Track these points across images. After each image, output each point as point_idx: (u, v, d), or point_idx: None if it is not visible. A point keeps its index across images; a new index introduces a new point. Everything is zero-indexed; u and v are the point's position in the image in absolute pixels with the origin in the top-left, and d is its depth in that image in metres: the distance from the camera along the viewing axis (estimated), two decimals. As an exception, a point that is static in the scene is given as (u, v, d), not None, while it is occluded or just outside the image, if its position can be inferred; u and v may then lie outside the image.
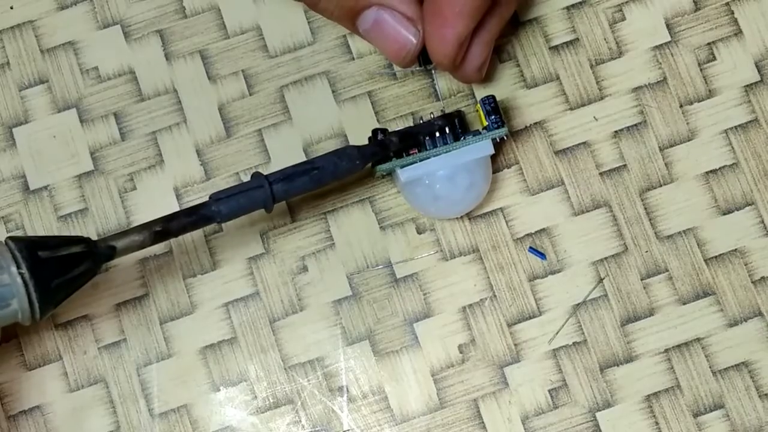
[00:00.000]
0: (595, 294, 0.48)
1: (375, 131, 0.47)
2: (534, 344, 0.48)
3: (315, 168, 0.44)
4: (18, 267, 0.39)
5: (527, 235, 0.49)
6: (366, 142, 0.48)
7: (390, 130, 0.47)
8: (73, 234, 0.49)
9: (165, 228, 0.42)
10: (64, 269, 0.40)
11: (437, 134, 0.47)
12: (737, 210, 0.49)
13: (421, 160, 0.46)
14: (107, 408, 0.48)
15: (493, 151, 0.47)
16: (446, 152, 0.46)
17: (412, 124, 0.49)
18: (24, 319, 0.40)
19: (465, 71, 0.47)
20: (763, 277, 0.48)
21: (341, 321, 0.48)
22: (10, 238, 0.40)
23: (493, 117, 0.47)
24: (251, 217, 0.47)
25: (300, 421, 0.48)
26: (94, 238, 0.49)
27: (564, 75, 0.50)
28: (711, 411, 0.47)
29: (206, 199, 0.47)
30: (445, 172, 0.46)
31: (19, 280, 0.39)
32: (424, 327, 0.48)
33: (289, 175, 0.44)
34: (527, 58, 0.50)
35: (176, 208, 0.49)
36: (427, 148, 0.47)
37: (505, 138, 0.47)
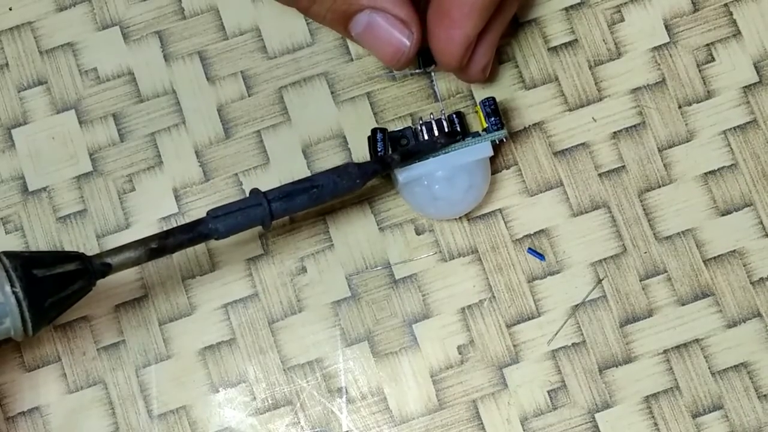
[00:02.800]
0: (594, 295, 0.48)
1: (374, 131, 0.47)
2: (533, 345, 0.48)
3: (315, 186, 0.44)
4: (12, 285, 0.39)
5: (526, 236, 0.49)
6: (365, 143, 0.48)
7: (389, 130, 0.47)
8: (73, 236, 0.49)
9: (161, 245, 0.42)
10: (59, 288, 0.40)
11: (436, 135, 0.47)
12: (736, 211, 0.49)
13: (420, 161, 0.46)
14: (106, 409, 0.48)
15: (492, 153, 0.47)
16: (445, 153, 0.46)
17: (411, 125, 0.49)
18: (17, 336, 0.40)
19: (470, 72, 0.47)
20: (761, 278, 0.48)
21: (340, 322, 0.48)
22: (5, 253, 0.40)
23: (492, 119, 0.47)
24: (250, 218, 0.47)
25: (299, 422, 0.48)
26: (93, 239, 0.49)
27: (563, 76, 0.50)
28: (710, 412, 0.47)
29: (205, 200, 0.47)
30: (444, 173, 0.46)
31: (12, 299, 0.39)
32: (423, 328, 0.48)
33: (288, 193, 0.43)
34: (526, 59, 0.50)
35: (175, 210, 0.49)
36: (426, 149, 0.47)
37: (504, 140, 0.47)
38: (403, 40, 0.45)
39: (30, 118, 0.50)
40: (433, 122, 0.47)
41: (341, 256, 0.49)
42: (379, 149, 0.47)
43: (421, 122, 0.47)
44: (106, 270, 0.41)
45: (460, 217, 0.49)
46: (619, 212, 0.49)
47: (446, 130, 0.47)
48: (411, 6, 0.45)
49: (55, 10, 0.51)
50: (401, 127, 0.48)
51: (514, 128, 0.49)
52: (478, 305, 0.48)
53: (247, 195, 0.44)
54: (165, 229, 0.43)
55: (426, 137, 0.47)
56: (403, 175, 0.46)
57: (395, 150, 0.47)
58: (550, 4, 0.50)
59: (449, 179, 0.46)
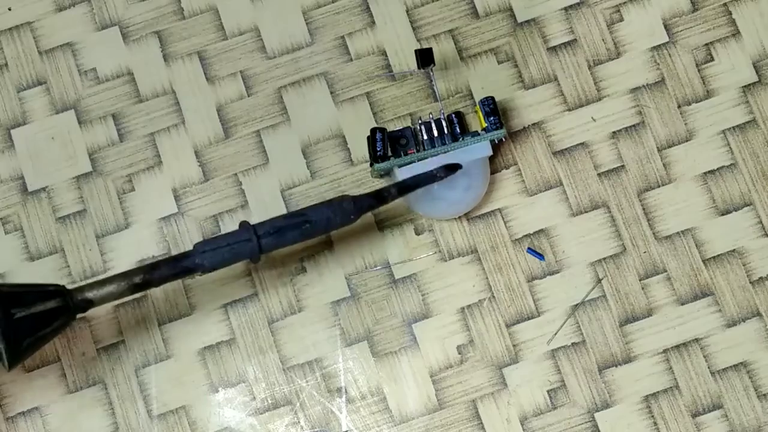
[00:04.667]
0: (594, 294, 0.48)
1: (373, 130, 0.47)
2: (533, 345, 0.48)
3: (307, 222, 0.43)
4: None
5: (526, 235, 0.49)
6: (364, 143, 0.48)
7: (388, 129, 0.47)
8: (72, 236, 0.49)
9: (145, 279, 0.41)
10: (38, 327, 0.40)
11: (435, 135, 0.47)
12: (735, 210, 0.49)
13: (419, 160, 0.46)
14: (106, 409, 0.48)
15: (491, 153, 0.47)
16: (444, 153, 0.46)
17: (410, 125, 0.49)
18: None
19: None
20: (761, 278, 0.48)
21: (340, 322, 0.48)
22: None
23: (492, 118, 0.47)
24: (250, 218, 0.47)
25: (299, 422, 0.48)
26: (93, 239, 0.49)
27: (562, 76, 0.50)
28: (709, 411, 0.47)
29: (204, 200, 0.47)
30: (443, 172, 0.46)
31: None
32: (422, 328, 0.48)
33: (279, 228, 0.43)
34: (525, 59, 0.50)
35: (175, 210, 0.49)
36: (425, 148, 0.47)
37: (503, 140, 0.47)
38: None
39: (29, 118, 0.50)
40: (432, 122, 0.47)
41: (341, 256, 0.49)
42: (378, 149, 0.47)
43: (420, 122, 0.47)
44: (87, 306, 0.41)
45: (459, 217, 0.49)
46: (619, 212, 0.49)
47: (445, 130, 0.47)
48: None
49: (54, 10, 0.51)
50: (400, 127, 0.48)
51: (514, 128, 0.49)
52: (477, 305, 0.48)
53: (243, 217, 0.43)
54: (150, 262, 0.42)
55: (425, 137, 0.47)
56: (402, 174, 0.46)
57: (394, 149, 0.47)
58: (549, 3, 0.50)
59: (448, 179, 0.46)
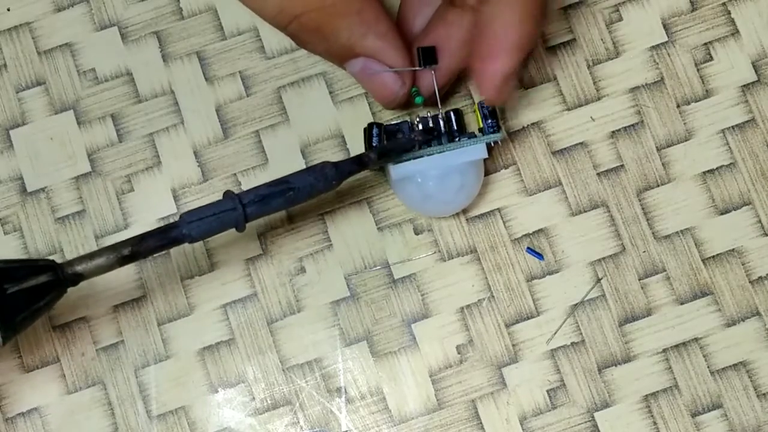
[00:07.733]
0: (593, 294, 0.48)
1: (370, 125, 0.47)
2: (532, 345, 0.48)
3: (290, 189, 0.43)
4: None
5: (525, 235, 0.49)
6: (363, 142, 0.48)
7: (386, 124, 0.47)
8: (71, 237, 0.49)
9: (133, 251, 0.41)
10: (30, 301, 0.40)
11: (414, 132, 0.47)
12: (734, 210, 0.49)
13: (414, 158, 0.46)
14: (105, 410, 0.48)
15: (486, 156, 0.47)
16: (440, 152, 0.46)
17: (408, 120, 0.49)
18: None
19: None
20: (760, 277, 0.48)
21: (339, 322, 0.48)
22: None
23: (489, 121, 0.47)
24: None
25: (298, 422, 0.48)
26: (92, 239, 0.49)
27: (561, 75, 0.50)
28: (709, 411, 0.47)
29: (203, 200, 0.47)
30: (436, 171, 0.46)
31: None
32: (422, 328, 0.48)
33: (263, 196, 0.43)
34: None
35: (174, 210, 0.49)
36: (421, 147, 0.47)
37: (499, 143, 0.47)
38: (395, 87, 0.46)
39: (28, 118, 0.50)
40: (430, 118, 0.47)
41: (340, 256, 0.49)
42: (374, 144, 0.47)
43: (418, 118, 0.47)
44: (78, 279, 0.41)
45: (458, 217, 0.49)
46: (618, 211, 0.49)
47: (442, 128, 0.47)
48: (405, 53, 0.45)
49: (53, 10, 0.51)
50: (398, 121, 0.48)
51: (513, 128, 0.49)
52: (477, 305, 0.48)
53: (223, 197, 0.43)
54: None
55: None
56: (396, 171, 0.46)
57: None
58: (548, 3, 0.50)
59: (441, 178, 0.46)
